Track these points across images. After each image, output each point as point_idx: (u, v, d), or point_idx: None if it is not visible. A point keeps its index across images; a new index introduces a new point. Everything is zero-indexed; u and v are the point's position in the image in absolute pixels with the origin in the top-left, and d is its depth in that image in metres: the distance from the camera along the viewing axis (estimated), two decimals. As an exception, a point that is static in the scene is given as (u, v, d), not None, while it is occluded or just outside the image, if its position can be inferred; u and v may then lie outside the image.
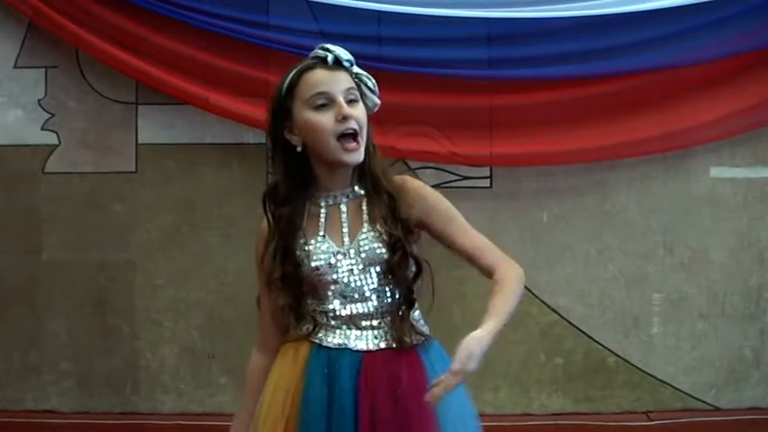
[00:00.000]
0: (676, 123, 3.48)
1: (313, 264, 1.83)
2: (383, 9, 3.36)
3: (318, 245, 1.84)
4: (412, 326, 1.86)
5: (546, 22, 3.39)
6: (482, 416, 3.61)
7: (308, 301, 1.87)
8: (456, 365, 1.64)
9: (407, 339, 1.84)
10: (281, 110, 1.84)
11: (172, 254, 3.60)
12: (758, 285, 3.60)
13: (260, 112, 3.43)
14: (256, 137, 3.56)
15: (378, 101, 1.88)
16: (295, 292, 1.85)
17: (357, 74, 1.86)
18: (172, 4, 3.39)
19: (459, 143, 3.45)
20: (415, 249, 1.85)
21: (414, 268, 1.85)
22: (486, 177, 3.58)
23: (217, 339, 3.56)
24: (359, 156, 1.81)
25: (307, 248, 1.84)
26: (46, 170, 3.60)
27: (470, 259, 1.87)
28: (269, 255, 1.85)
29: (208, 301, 3.59)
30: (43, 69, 3.59)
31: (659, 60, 3.43)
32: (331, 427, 1.79)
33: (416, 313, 1.89)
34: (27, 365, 3.62)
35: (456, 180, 3.55)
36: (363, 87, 1.85)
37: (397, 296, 1.87)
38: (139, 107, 3.59)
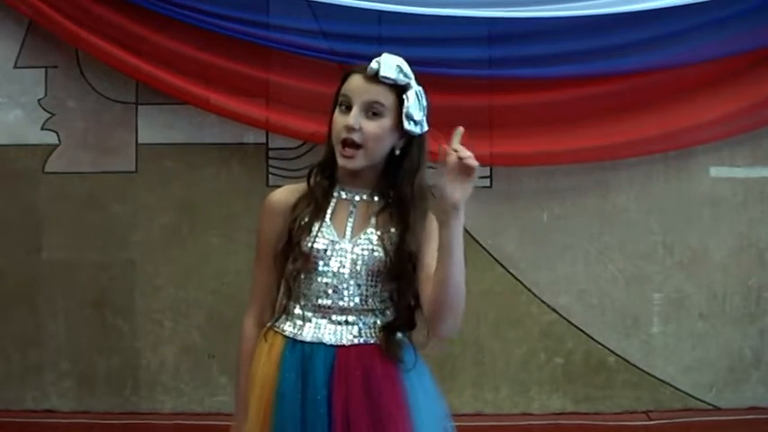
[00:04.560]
0: (676, 123, 3.48)
1: (311, 244, 1.86)
2: (383, 9, 3.36)
3: (322, 229, 1.87)
4: (395, 341, 1.88)
5: (546, 22, 3.39)
6: (482, 416, 3.64)
7: (291, 283, 1.90)
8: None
9: (395, 352, 1.86)
10: (334, 101, 1.92)
11: (172, 254, 3.60)
12: (758, 285, 3.60)
13: (260, 111, 3.45)
14: (256, 137, 3.56)
15: (412, 128, 1.92)
16: (286, 267, 1.90)
17: (404, 94, 1.91)
18: (172, 4, 3.39)
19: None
20: (417, 285, 1.86)
21: (413, 301, 1.88)
22: (486, 177, 3.58)
23: (217, 339, 3.56)
24: (352, 163, 1.86)
25: (313, 228, 1.87)
26: (46, 170, 3.60)
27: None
28: (297, 220, 1.87)
29: (208, 301, 3.59)
30: (43, 69, 3.59)
31: (659, 60, 3.43)
32: (305, 422, 1.81)
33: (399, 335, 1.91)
34: (27, 365, 3.62)
35: (456, 180, 3.54)
36: (404, 108, 1.90)
37: (384, 300, 1.89)
38: (139, 107, 3.59)
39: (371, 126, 1.86)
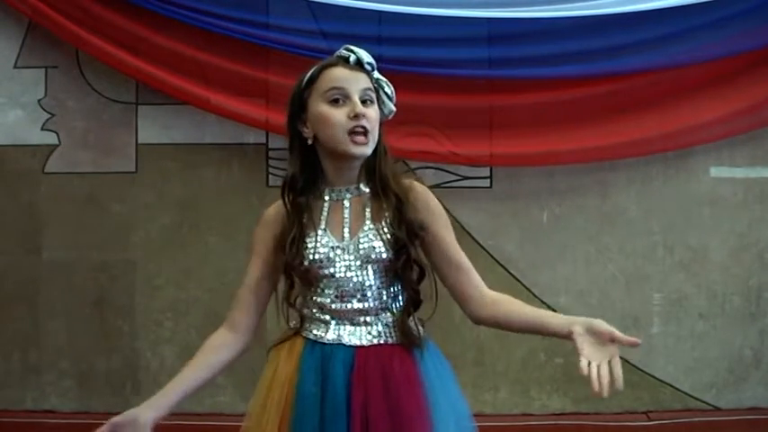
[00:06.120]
0: (677, 123, 3.48)
1: (312, 256, 1.85)
2: (383, 9, 3.36)
3: (319, 238, 1.86)
4: (409, 326, 1.88)
5: (546, 22, 3.39)
6: (482, 416, 3.63)
7: (302, 294, 1.90)
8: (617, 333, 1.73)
9: (412, 336, 1.87)
10: (299, 102, 1.90)
11: (172, 254, 3.60)
12: (758, 285, 3.60)
13: (260, 112, 3.45)
14: (256, 137, 3.57)
15: (393, 108, 1.94)
16: (291, 283, 1.89)
17: (377, 79, 1.91)
18: (172, 4, 3.39)
19: (459, 143, 3.45)
20: (418, 254, 1.88)
21: (417, 272, 1.88)
22: (486, 177, 3.58)
23: (217, 339, 3.55)
24: (366, 150, 1.85)
25: (308, 240, 1.86)
26: (46, 170, 3.60)
27: (456, 274, 1.90)
28: (287, 242, 1.86)
29: (207, 301, 3.59)
30: (43, 69, 3.59)
31: (659, 60, 3.43)
32: (324, 422, 1.80)
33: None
34: (27, 365, 3.62)
35: (456, 180, 3.55)
36: (381, 93, 1.91)
37: (396, 295, 1.89)
38: (139, 107, 3.59)
39: (372, 112, 1.87)
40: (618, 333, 1.72)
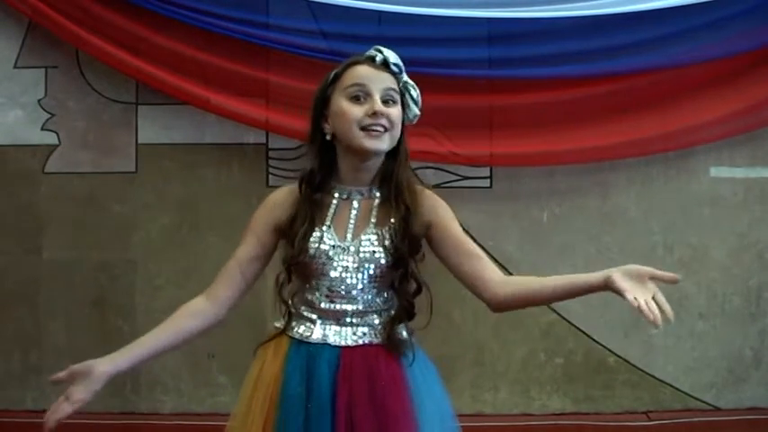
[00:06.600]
0: (677, 123, 3.48)
1: (313, 252, 1.86)
2: (383, 9, 3.36)
3: (323, 235, 1.86)
4: (396, 333, 1.89)
5: (546, 22, 3.39)
6: (482, 416, 3.64)
7: (294, 290, 1.91)
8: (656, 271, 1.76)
9: (397, 343, 1.87)
10: (323, 97, 1.89)
11: (172, 254, 3.60)
12: (758, 285, 3.60)
13: (260, 112, 3.45)
14: (256, 137, 3.57)
15: (418, 112, 1.93)
16: (288, 277, 1.90)
17: (404, 82, 1.91)
18: (172, 3, 3.39)
19: (459, 143, 3.45)
20: (417, 270, 1.89)
21: (414, 286, 1.89)
22: (486, 177, 3.58)
23: (217, 339, 3.54)
24: (381, 144, 1.85)
25: (311, 236, 1.86)
26: (46, 170, 3.60)
27: (471, 261, 1.90)
28: (297, 236, 1.86)
29: (208, 301, 3.59)
30: (43, 69, 3.59)
31: (659, 60, 3.43)
32: (309, 422, 1.80)
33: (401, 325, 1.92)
34: (27, 365, 3.62)
35: (456, 180, 3.55)
36: (407, 96, 1.91)
37: (387, 300, 1.90)
38: (139, 107, 3.58)
39: (393, 111, 1.86)
40: (657, 271, 1.77)
